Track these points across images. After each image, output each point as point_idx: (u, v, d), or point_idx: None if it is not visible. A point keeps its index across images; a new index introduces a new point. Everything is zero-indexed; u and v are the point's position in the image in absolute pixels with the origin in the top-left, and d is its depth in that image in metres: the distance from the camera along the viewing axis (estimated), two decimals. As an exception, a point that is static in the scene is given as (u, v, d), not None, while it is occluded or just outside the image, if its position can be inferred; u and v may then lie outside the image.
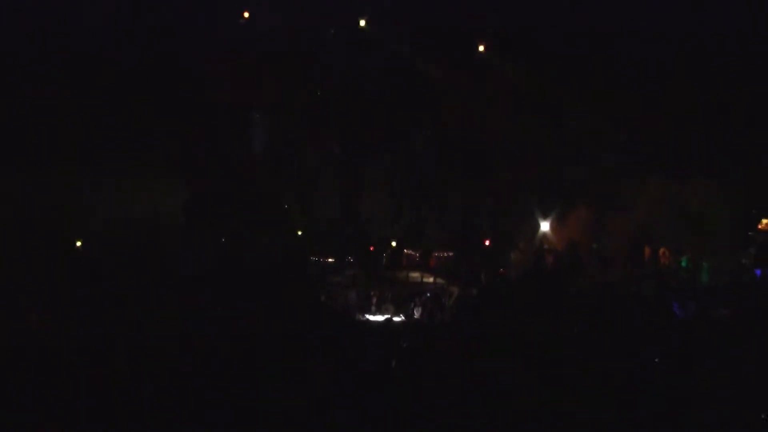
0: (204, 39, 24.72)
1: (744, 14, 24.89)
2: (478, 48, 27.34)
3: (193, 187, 24.74)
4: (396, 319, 23.17)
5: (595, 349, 17.83)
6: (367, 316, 23.47)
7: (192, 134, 25.21)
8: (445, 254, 26.23)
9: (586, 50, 25.79)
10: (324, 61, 26.32)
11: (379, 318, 23.17)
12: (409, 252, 26.37)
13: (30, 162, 24.53)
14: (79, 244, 24.85)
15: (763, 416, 13.01)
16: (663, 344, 17.71)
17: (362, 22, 26.59)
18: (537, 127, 26.08)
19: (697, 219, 24.39)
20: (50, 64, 24.86)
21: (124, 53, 24.72)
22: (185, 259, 22.48)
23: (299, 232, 25.53)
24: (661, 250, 24.48)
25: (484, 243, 26.27)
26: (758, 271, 23.26)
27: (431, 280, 24.72)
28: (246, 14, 24.95)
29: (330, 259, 25.41)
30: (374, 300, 23.94)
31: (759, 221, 24.20)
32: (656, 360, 16.58)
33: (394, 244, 26.38)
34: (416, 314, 23.48)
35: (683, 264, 24.42)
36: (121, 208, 24.17)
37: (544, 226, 25.96)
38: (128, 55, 24.76)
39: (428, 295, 24.05)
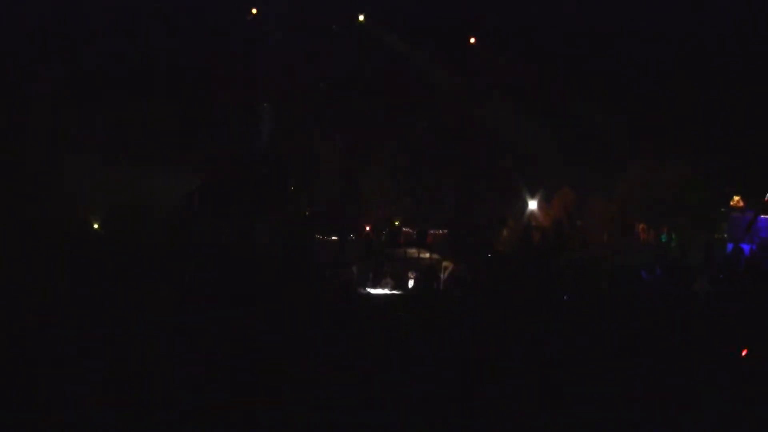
0: (215, 36, 26.14)
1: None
2: (469, 40, 28.83)
3: (206, 173, 26.02)
4: (395, 292, 24.50)
5: (579, 314, 19.21)
6: (368, 289, 24.63)
7: (205, 124, 26.59)
8: (441, 232, 27.62)
9: (568, 39, 27.25)
10: (327, 55, 27.65)
11: (379, 291, 24.52)
12: (407, 230, 27.69)
13: (50, 149, 25.85)
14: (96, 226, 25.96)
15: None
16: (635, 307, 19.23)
17: (361, 17, 28.09)
18: (527, 114, 27.56)
19: (674, 197, 25.98)
20: (73, 56, 26.38)
21: (138, 51, 26.19)
22: (199, 240, 23.60)
23: (305, 213, 26.74)
24: (641, 226, 26.09)
25: (477, 221, 27.48)
26: (746, 247, 24.72)
27: (427, 256, 25.97)
28: (254, 11, 26.39)
29: (333, 237, 26.73)
30: (373, 275, 24.90)
31: (731, 198, 25.84)
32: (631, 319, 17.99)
33: (396, 223, 27.73)
34: (410, 287, 24.69)
35: (663, 240, 25.93)
36: (137, 193, 25.23)
37: (532, 205, 27.40)
38: (142, 53, 26.28)
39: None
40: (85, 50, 26.58)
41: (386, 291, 24.48)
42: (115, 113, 26.42)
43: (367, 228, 27.43)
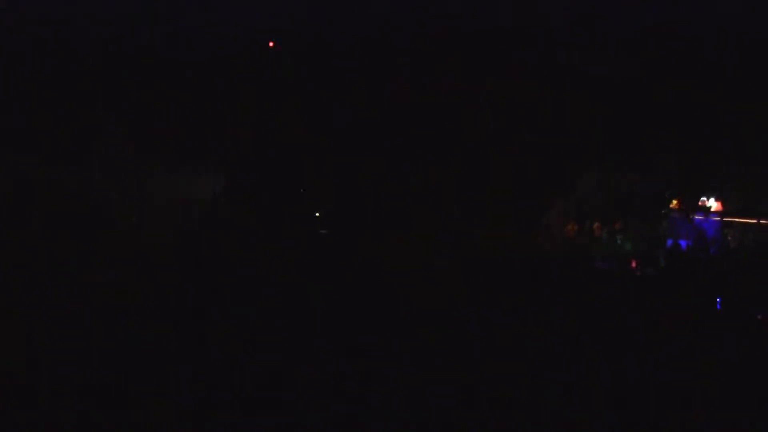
0: (233, 51, 29.40)
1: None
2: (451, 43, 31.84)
3: (228, 174, 29.39)
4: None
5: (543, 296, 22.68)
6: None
7: (229, 129, 29.81)
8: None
9: (530, 47, 29.74)
10: (329, 67, 30.88)
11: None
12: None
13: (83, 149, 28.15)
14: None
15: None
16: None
17: (358, 29, 31.25)
18: (496, 120, 30.95)
19: (624, 199, 30.21)
20: (98, 64, 28.43)
21: (151, 67, 28.84)
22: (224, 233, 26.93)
23: (317, 213, 30.01)
24: (596, 225, 30.23)
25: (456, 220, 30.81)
26: (683, 243, 29.14)
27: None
28: (271, 44, 29.84)
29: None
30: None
31: (671, 201, 30.18)
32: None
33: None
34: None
35: (617, 241, 29.79)
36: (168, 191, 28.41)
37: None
38: (158, 67, 28.88)
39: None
40: (108, 55, 28.68)
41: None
42: (144, 116, 28.84)
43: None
